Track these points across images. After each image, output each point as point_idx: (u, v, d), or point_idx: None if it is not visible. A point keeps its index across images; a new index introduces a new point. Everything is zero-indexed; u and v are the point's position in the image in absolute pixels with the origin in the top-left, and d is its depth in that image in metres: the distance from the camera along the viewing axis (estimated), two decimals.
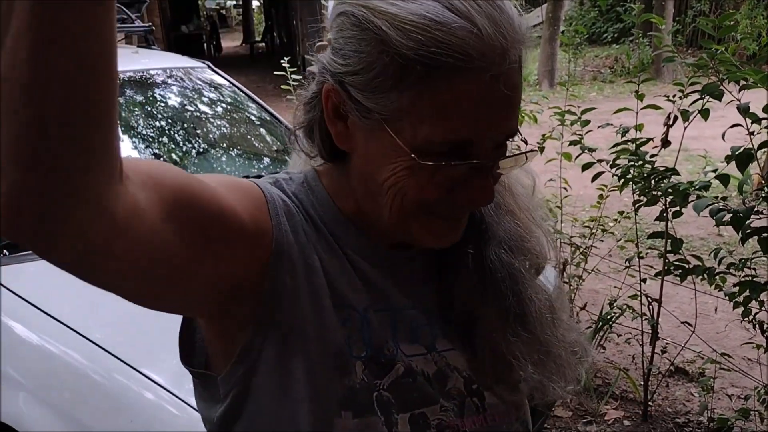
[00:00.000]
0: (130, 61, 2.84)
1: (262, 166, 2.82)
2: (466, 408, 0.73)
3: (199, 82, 2.98)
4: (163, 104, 2.79)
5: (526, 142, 0.72)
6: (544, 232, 0.81)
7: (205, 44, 17.71)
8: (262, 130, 3.02)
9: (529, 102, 3.45)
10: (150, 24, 3.01)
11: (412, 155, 0.62)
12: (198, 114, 2.88)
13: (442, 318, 0.76)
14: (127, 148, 2.51)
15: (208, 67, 3.06)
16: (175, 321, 1.96)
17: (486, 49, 0.59)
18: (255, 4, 22.64)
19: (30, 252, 1.69)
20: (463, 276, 0.75)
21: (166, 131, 2.69)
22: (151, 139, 2.61)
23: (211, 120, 2.94)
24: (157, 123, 2.69)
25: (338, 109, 0.66)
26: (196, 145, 2.73)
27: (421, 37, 0.59)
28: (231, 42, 20.87)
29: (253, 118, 3.02)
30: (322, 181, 0.74)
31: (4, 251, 1.98)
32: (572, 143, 2.69)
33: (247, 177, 0.74)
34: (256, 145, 2.98)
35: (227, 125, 2.97)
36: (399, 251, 0.74)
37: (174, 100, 2.85)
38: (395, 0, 0.61)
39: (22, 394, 1.68)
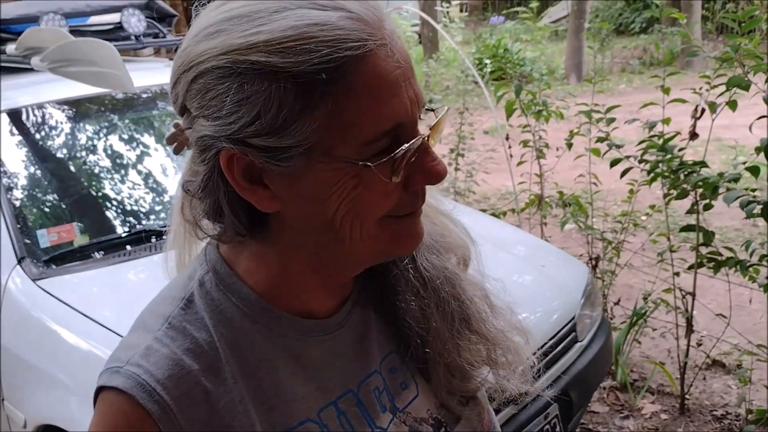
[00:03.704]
0: (162, 74, 2.92)
1: None
2: None
3: None
4: None
5: (430, 109, 0.66)
6: (453, 221, 0.78)
7: None
8: None
9: (555, 98, 3.45)
10: (181, 38, 3.09)
11: (363, 162, 0.57)
12: None
13: (398, 363, 0.73)
14: (162, 158, 2.59)
15: None
16: None
17: (369, 28, 0.57)
18: None
19: (76, 263, 1.76)
20: (405, 296, 0.72)
21: None
22: None
23: None
24: None
25: (248, 173, 0.59)
26: None
27: (308, 46, 0.55)
28: None
29: None
30: (235, 270, 0.66)
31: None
32: (599, 140, 2.69)
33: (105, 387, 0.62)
34: None
35: None
36: (334, 317, 0.69)
37: None
38: (251, 30, 0.56)
39: (74, 399, 1.75)
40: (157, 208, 2.39)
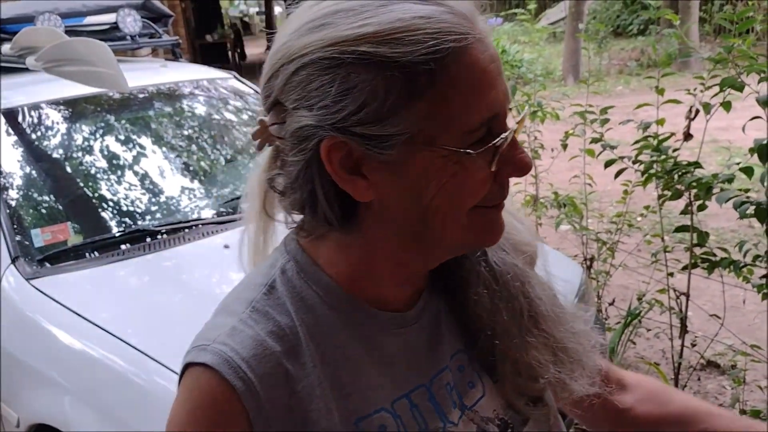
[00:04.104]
0: (159, 74, 2.92)
1: None
2: None
3: (225, 92, 3.05)
4: (191, 115, 2.87)
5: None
6: (519, 220, 0.80)
7: (229, 52, 17.89)
8: None
9: (550, 99, 3.46)
10: (177, 38, 3.09)
11: (465, 150, 0.59)
12: (225, 123, 2.95)
13: (466, 361, 0.74)
14: (158, 158, 2.59)
15: (234, 77, 3.14)
16: (206, 320, 2.02)
17: (467, 22, 0.59)
18: (277, 10, 22.85)
19: (70, 262, 1.76)
20: (477, 289, 0.73)
21: (196, 141, 2.76)
22: (181, 149, 2.68)
23: (238, 129, 3.01)
24: (186, 133, 2.77)
25: (346, 162, 0.61)
26: (224, 154, 2.81)
27: (415, 37, 0.57)
28: (255, 49, 21.09)
29: None
30: (316, 260, 0.68)
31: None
32: (594, 140, 2.70)
33: (198, 364, 0.63)
34: None
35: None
36: (411, 310, 0.71)
37: (202, 111, 2.92)
38: (359, 22, 0.58)
39: (67, 398, 1.75)
40: (152, 208, 2.39)
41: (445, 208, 0.61)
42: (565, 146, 3.04)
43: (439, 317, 0.73)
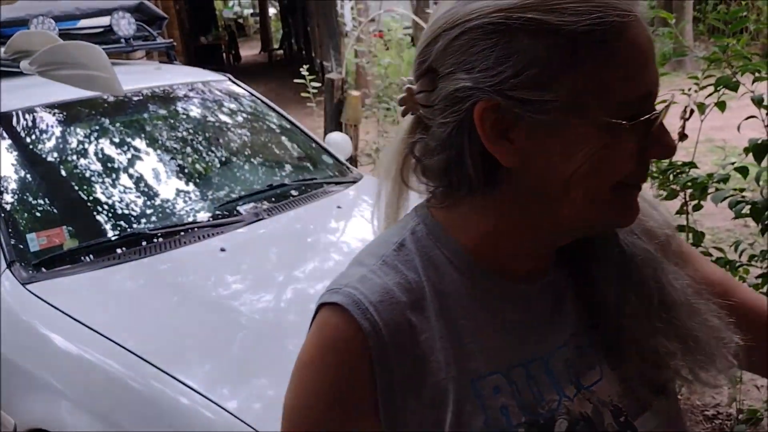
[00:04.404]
0: (153, 76, 2.91)
1: (284, 173, 2.88)
2: None
3: (220, 94, 3.04)
4: (186, 117, 2.87)
5: None
6: (655, 207, 0.78)
7: (224, 54, 17.89)
8: (283, 138, 3.08)
9: None
10: (171, 40, 3.09)
11: (618, 122, 0.60)
12: (220, 125, 2.95)
13: (586, 343, 0.73)
14: (153, 161, 2.59)
15: (229, 79, 3.13)
16: (203, 327, 2.02)
17: (629, 2, 0.61)
18: (272, 11, 22.83)
19: (65, 267, 1.76)
20: (606, 271, 0.72)
21: (191, 143, 2.76)
22: (176, 152, 2.68)
23: (233, 131, 3.00)
24: (181, 136, 2.76)
25: (497, 126, 0.62)
26: (219, 156, 2.80)
27: (581, 8, 0.59)
28: (249, 50, 21.07)
29: (273, 127, 3.09)
30: (448, 228, 0.70)
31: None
32: None
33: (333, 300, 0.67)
34: (278, 153, 3.04)
35: (249, 135, 3.03)
36: (537, 284, 0.72)
37: (197, 113, 2.92)
38: None
39: (64, 403, 1.75)
40: (148, 211, 2.38)
41: (588, 180, 0.62)
42: None
43: (564, 295, 0.74)
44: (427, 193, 0.72)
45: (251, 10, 28.32)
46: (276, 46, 19.82)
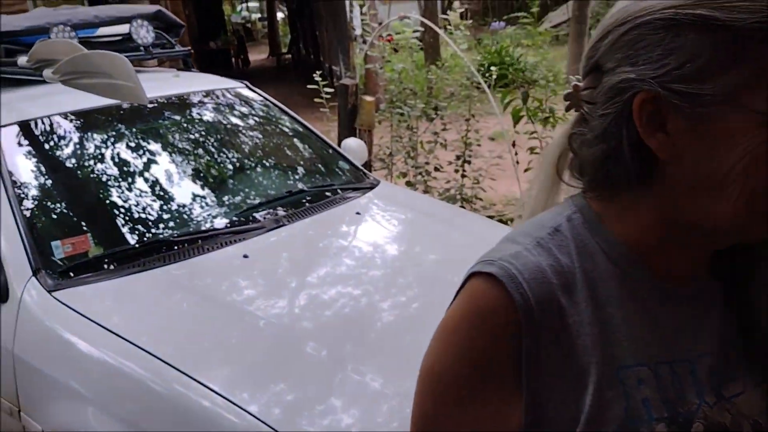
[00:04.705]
0: (172, 84, 2.94)
1: (302, 179, 2.89)
2: None
3: (238, 101, 3.07)
4: (205, 124, 2.89)
5: None
6: None
7: (233, 58, 17.95)
8: (300, 144, 3.09)
9: (561, 104, 3.46)
10: (189, 48, 3.11)
11: None
12: (238, 132, 2.96)
13: (733, 353, 0.72)
14: (174, 169, 2.60)
15: (246, 85, 3.15)
16: (225, 332, 2.02)
17: None
18: (280, 16, 22.90)
19: (90, 274, 1.77)
20: (761, 281, 0.71)
21: (210, 150, 2.78)
22: (196, 159, 2.70)
23: (251, 137, 3.02)
24: (200, 143, 2.78)
25: (654, 117, 0.64)
26: (238, 162, 2.82)
27: (750, 6, 0.60)
28: (257, 55, 21.12)
29: (290, 133, 3.10)
30: (603, 219, 0.71)
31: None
32: None
33: (485, 271, 0.68)
34: (296, 159, 3.06)
35: (267, 142, 3.05)
36: (690, 288, 0.71)
37: (215, 120, 2.94)
38: None
39: (90, 409, 1.76)
40: (170, 218, 2.40)
41: (745, 177, 0.61)
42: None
43: (715, 303, 0.73)
44: (582, 186, 0.74)
45: (259, 15, 28.42)
46: (284, 50, 19.87)
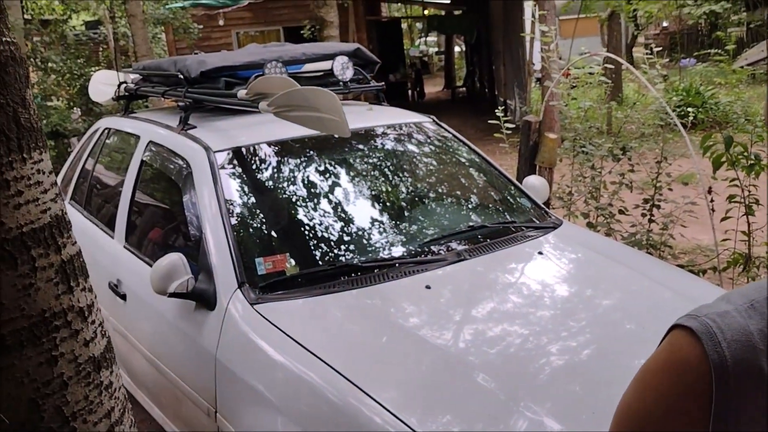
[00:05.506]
0: (366, 117, 3.11)
1: (479, 211, 2.92)
2: None
3: (425, 135, 3.17)
4: (394, 157, 3.02)
5: None
6: None
7: (409, 91, 18.53)
8: (481, 179, 3.12)
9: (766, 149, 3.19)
10: (383, 83, 3.27)
11: None
12: (425, 165, 3.06)
13: None
14: (361, 197, 2.74)
15: (433, 120, 3.25)
16: (400, 354, 2.06)
17: None
18: (456, 50, 23.32)
19: (285, 291, 1.90)
20: None
21: (399, 182, 2.90)
22: (386, 190, 2.82)
23: (437, 171, 3.11)
24: (390, 175, 2.91)
25: None
26: (421, 194, 2.91)
27: None
28: (432, 87, 21.63)
29: (472, 167, 3.14)
30: None
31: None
32: None
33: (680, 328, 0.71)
34: (478, 194, 3.09)
35: (449, 175, 3.12)
36: None
37: (404, 153, 3.06)
38: None
39: (280, 419, 1.88)
40: (358, 245, 2.52)
41: None
42: None
43: None
44: None
45: (436, 49, 29.15)
46: (459, 83, 20.18)
